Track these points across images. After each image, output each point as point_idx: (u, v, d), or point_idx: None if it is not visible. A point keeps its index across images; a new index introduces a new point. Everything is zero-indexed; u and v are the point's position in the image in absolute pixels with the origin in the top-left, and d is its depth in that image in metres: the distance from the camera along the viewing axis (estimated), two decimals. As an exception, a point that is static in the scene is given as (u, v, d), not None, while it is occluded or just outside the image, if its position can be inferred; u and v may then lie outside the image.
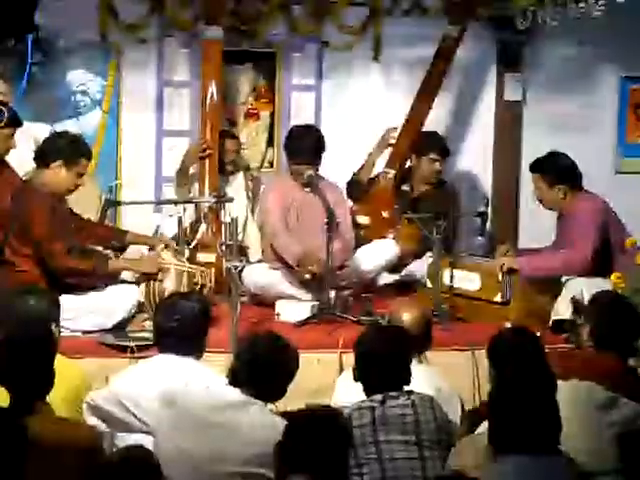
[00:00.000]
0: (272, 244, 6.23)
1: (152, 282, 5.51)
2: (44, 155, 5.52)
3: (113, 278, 5.57)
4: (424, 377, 4.22)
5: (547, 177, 5.96)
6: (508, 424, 3.33)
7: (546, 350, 4.40)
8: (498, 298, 5.84)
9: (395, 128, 7.05)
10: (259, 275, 6.22)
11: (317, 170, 6.23)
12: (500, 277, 5.82)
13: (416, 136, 7.06)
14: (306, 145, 6.21)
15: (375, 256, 6.48)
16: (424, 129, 7.15)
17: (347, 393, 4.32)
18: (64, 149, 5.51)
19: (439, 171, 7.07)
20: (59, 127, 6.68)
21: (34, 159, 5.60)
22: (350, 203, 6.85)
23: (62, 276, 5.39)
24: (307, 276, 5.98)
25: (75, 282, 5.44)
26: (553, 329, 5.63)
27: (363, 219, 6.73)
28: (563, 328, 5.57)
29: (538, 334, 5.55)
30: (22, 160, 6.47)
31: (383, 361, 3.97)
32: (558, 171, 5.97)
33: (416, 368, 4.14)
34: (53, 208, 5.48)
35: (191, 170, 6.71)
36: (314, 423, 3.34)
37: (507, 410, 3.36)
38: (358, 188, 6.96)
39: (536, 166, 6.06)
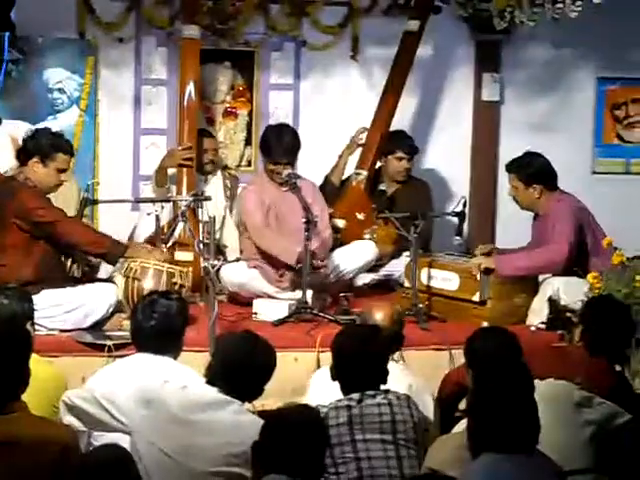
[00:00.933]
0: (259, 246, 6.23)
1: (131, 281, 5.50)
2: (22, 152, 5.53)
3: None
4: (396, 374, 4.21)
5: (523, 177, 6.00)
6: (486, 423, 3.34)
7: (535, 347, 4.42)
8: (476, 298, 5.86)
9: (365, 129, 7.05)
10: (236, 274, 6.22)
11: (293, 168, 6.24)
12: (478, 277, 5.84)
13: (384, 135, 7.06)
14: (282, 144, 6.22)
15: (354, 257, 6.46)
16: (394, 128, 7.16)
17: (320, 392, 4.32)
18: (40, 145, 5.50)
19: (407, 169, 7.08)
20: (36, 125, 6.64)
21: (16, 157, 5.60)
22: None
23: (81, 251, 5.62)
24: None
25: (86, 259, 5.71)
26: (548, 326, 5.64)
27: (339, 222, 6.72)
28: (557, 325, 5.57)
29: (533, 329, 5.65)
30: (0, 157, 6.49)
31: (360, 360, 3.98)
32: (534, 171, 6.01)
33: (388, 366, 4.14)
34: (47, 197, 5.53)
35: (170, 171, 6.69)
36: (290, 422, 3.34)
37: (485, 409, 3.36)
38: (330, 191, 6.92)
39: (512, 166, 6.09)
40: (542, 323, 5.70)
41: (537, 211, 6.06)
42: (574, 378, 4.17)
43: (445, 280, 6.03)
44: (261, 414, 3.79)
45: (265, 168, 6.36)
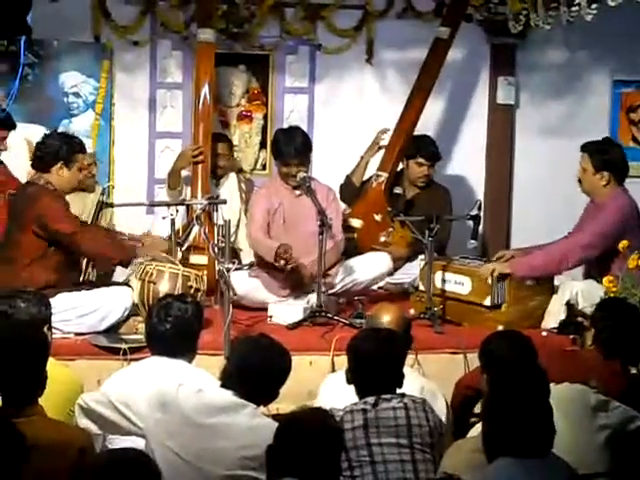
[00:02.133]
0: (255, 251, 6.26)
1: (146, 284, 5.51)
2: (42, 161, 5.53)
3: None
4: (407, 377, 4.19)
5: (596, 160, 5.87)
6: (501, 427, 3.33)
7: (548, 351, 4.41)
8: (488, 302, 5.83)
9: (386, 130, 7.05)
10: (238, 283, 6.12)
11: (307, 171, 6.23)
12: (490, 281, 5.82)
13: (408, 139, 7.06)
14: (292, 144, 6.19)
15: (367, 269, 6.36)
16: (417, 132, 7.16)
17: (331, 397, 4.32)
18: (60, 150, 5.53)
19: (426, 175, 7.07)
20: (52, 129, 6.65)
21: (32, 166, 5.59)
22: (343, 205, 6.86)
23: (93, 261, 5.74)
24: (285, 266, 5.93)
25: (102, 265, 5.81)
26: (559, 330, 5.62)
27: (356, 222, 6.72)
28: (569, 330, 5.54)
29: (544, 334, 5.61)
30: (16, 161, 6.51)
31: (376, 364, 3.97)
32: (608, 158, 5.87)
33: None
34: (66, 203, 5.57)
35: (183, 173, 6.70)
36: (304, 426, 3.33)
37: (500, 413, 3.35)
38: (351, 191, 6.96)
39: (588, 147, 5.95)
40: (554, 328, 5.67)
41: (595, 198, 5.95)
42: (588, 381, 4.17)
43: (458, 284, 6.01)
44: (276, 417, 3.79)
45: (279, 172, 6.36)
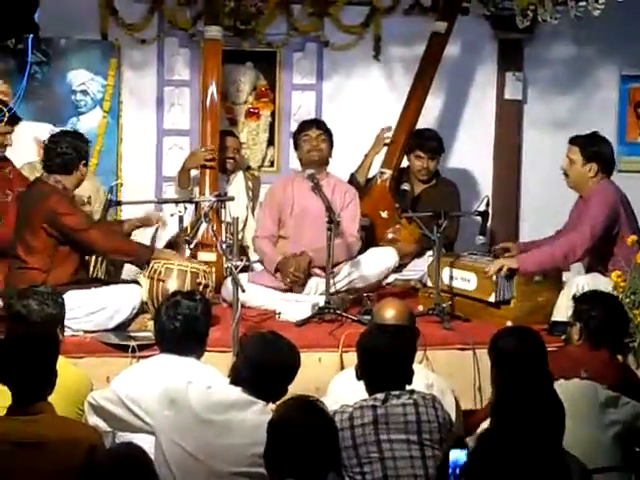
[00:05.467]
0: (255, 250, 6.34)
1: (155, 282, 5.51)
2: (68, 164, 5.51)
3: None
4: (416, 374, 4.18)
5: (585, 151, 5.88)
6: (511, 423, 3.32)
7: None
8: (492, 299, 5.82)
9: (389, 127, 7.04)
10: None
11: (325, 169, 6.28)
12: (494, 278, 5.80)
13: (410, 134, 7.06)
14: (307, 121, 6.47)
15: (373, 264, 6.30)
16: (420, 126, 7.15)
17: (342, 393, 4.32)
18: (82, 150, 5.56)
19: (426, 168, 7.05)
20: (60, 127, 6.67)
21: (49, 170, 5.55)
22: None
23: (110, 256, 5.77)
24: (288, 281, 6.05)
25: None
26: (550, 331, 5.60)
27: (363, 220, 6.72)
28: (560, 330, 5.53)
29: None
30: (23, 159, 6.52)
31: (386, 360, 3.97)
32: (598, 149, 5.89)
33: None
34: (75, 201, 5.62)
35: (193, 172, 6.70)
36: (296, 425, 3.31)
37: (509, 410, 3.35)
38: (356, 189, 6.93)
39: (578, 138, 5.96)
40: (543, 329, 5.62)
41: (582, 192, 5.94)
42: (579, 375, 4.19)
43: (464, 280, 6.01)
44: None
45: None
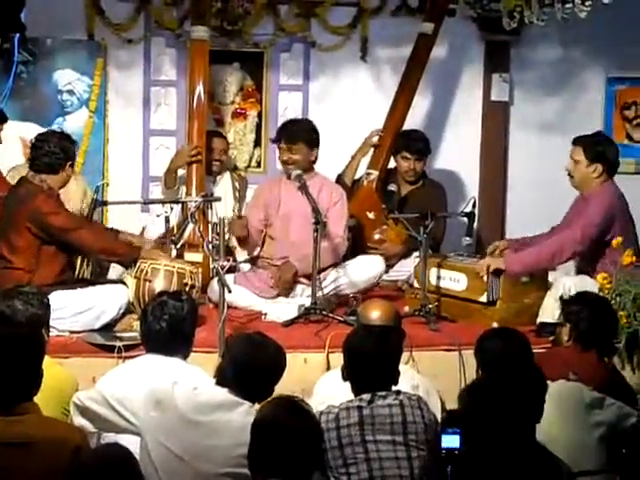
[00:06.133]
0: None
1: (142, 282, 5.50)
2: (54, 164, 5.49)
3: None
4: (402, 374, 4.18)
5: (590, 152, 5.86)
6: (494, 424, 3.33)
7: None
8: (484, 298, 5.83)
9: (379, 130, 7.06)
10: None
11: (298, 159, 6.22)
12: (485, 278, 5.82)
13: (396, 136, 7.07)
14: (284, 126, 6.36)
15: (360, 272, 6.25)
16: (407, 128, 7.15)
17: (327, 394, 4.32)
18: (70, 150, 5.54)
19: (412, 169, 7.05)
20: (46, 127, 6.65)
21: (36, 170, 5.53)
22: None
23: (96, 258, 5.74)
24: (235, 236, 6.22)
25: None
26: (538, 332, 5.61)
27: (349, 221, 6.72)
28: (548, 331, 5.54)
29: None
30: (10, 158, 6.50)
31: (372, 361, 3.97)
32: (602, 150, 5.88)
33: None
34: (61, 201, 5.59)
35: (180, 172, 6.69)
36: (280, 427, 3.31)
37: (494, 409, 3.36)
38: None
39: (582, 139, 5.95)
40: (531, 331, 5.63)
41: (584, 191, 5.94)
42: (567, 376, 4.20)
43: (453, 281, 6.01)
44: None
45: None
